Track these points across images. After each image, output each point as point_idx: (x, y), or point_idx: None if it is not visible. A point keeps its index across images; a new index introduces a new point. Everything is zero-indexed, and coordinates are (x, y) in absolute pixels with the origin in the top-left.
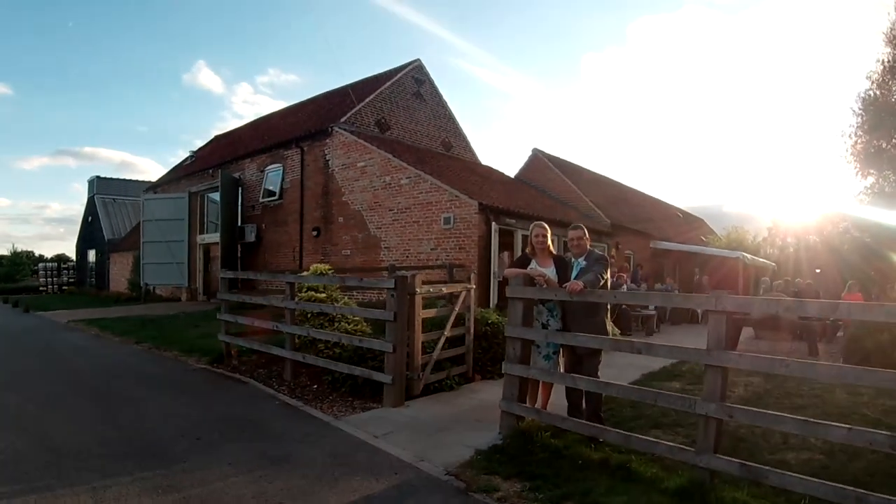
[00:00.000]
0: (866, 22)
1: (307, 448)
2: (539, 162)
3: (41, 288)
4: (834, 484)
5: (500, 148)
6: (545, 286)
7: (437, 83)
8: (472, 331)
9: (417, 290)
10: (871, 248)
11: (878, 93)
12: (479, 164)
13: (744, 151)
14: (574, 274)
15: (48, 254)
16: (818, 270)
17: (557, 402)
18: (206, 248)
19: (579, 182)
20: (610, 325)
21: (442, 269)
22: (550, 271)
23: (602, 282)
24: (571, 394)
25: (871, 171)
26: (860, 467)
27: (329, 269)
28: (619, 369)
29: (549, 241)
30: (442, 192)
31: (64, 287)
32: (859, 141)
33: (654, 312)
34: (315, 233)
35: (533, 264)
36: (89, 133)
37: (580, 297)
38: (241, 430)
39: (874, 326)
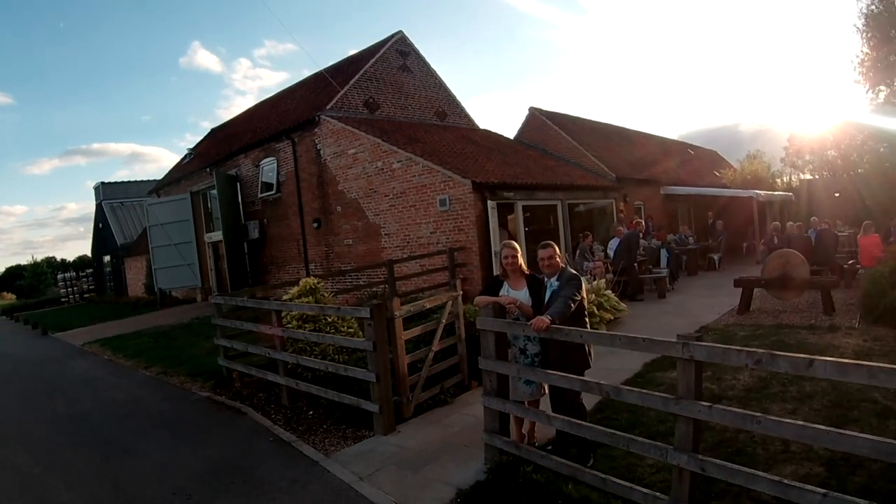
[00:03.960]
0: None
1: (290, 500)
2: (537, 121)
3: (63, 299)
4: None
5: (499, 102)
6: (517, 312)
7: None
8: (463, 338)
9: (396, 313)
10: (888, 169)
11: (880, 7)
12: (476, 130)
13: (757, 66)
14: (547, 296)
15: (70, 256)
16: (837, 195)
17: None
18: (215, 245)
19: (580, 136)
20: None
21: (442, 254)
22: (523, 294)
23: (573, 307)
24: (560, 413)
25: (882, 86)
26: (860, 481)
27: (318, 282)
28: (623, 356)
29: (521, 261)
30: (434, 173)
31: (85, 295)
32: (867, 58)
33: (664, 273)
34: (315, 224)
35: (505, 287)
36: (95, 130)
37: (547, 334)
38: (230, 481)
39: (889, 283)
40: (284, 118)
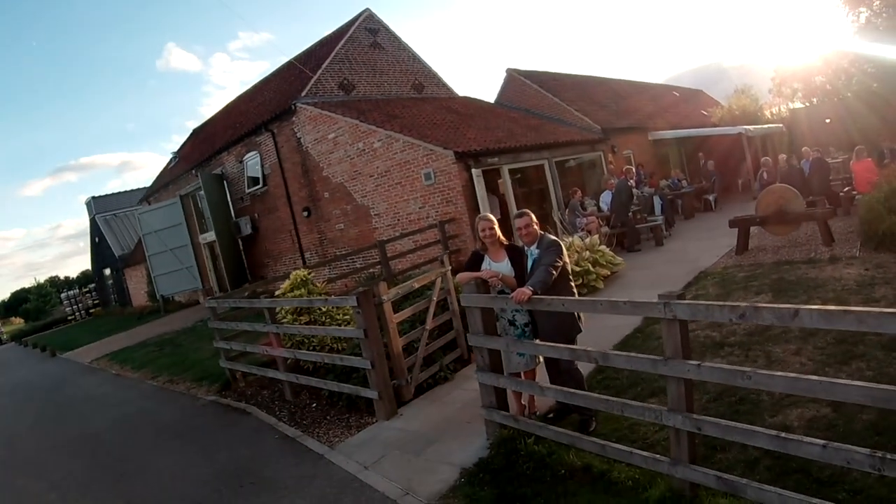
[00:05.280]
0: None
1: (296, 497)
2: (516, 81)
3: (69, 317)
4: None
5: (482, 61)
6: (500, 285)
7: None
8: (458, 312)
9: (384, 297)
10: (876, 91)
11: None
12: (455, 98)
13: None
14: (529, 264)
15: (73, 272)
16: (828, 120)
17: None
18: (211, 245)
19: (561, 92)
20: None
21: (433, 228)
22: (504, 265)
23: (555, 274)
24: (556, 380)
25: (862, 7)
26: (869, 419)
27: (309, 274)
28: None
29: (498, 232)
30: (416, 148)
31: (91, 310)
32: None
33: (660, 221)
34: (306, 213)
35: (486, 261)
36: (82, 144)
37: (529, 305)
38: (239, 484)
39: (886, 208)
40: (262, 110)
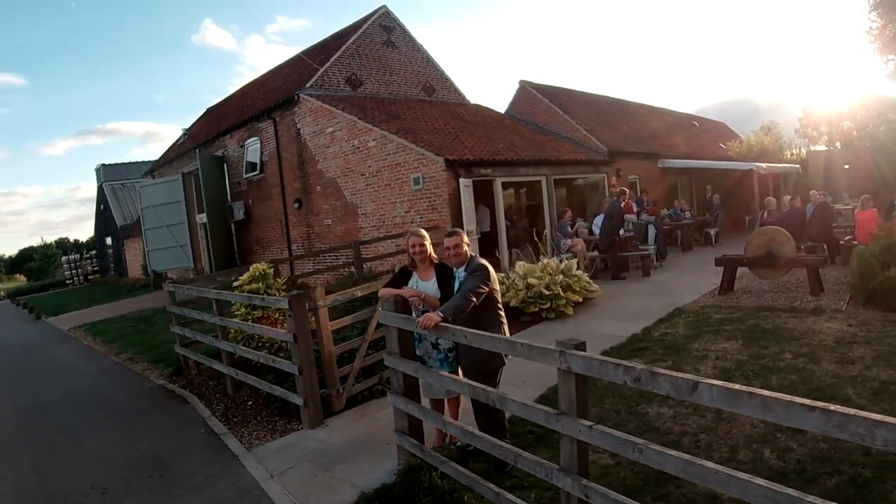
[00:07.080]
0: None
1: (195, 498)
2: (527, 94)
3: (67, 281)
4: None
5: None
6: (422, 306)
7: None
8: None
9: (321, 303)
10: None
11: None
12: (465, 105)
13: (775, 37)
14: (456, 287)
15: (85, 236)
16: (847, 166)
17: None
18: (206, 226)
19: (572, 109)
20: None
21: None
22: (431, 286)
23: (476, 301)
24: (479, 412)
25: (891, 55)
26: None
27: (270, 268)
28: (590, 342)
29: (430, 249)
30: (408, 151)
31: (89, 277)
32: (874, 25)
33: (650, 250)
34: (297, 205)
35: (413, 279)
36: (110, 110)
37: (435, 332)
38: (149, 475)
39: (879, 262)
40: (268, 97)
